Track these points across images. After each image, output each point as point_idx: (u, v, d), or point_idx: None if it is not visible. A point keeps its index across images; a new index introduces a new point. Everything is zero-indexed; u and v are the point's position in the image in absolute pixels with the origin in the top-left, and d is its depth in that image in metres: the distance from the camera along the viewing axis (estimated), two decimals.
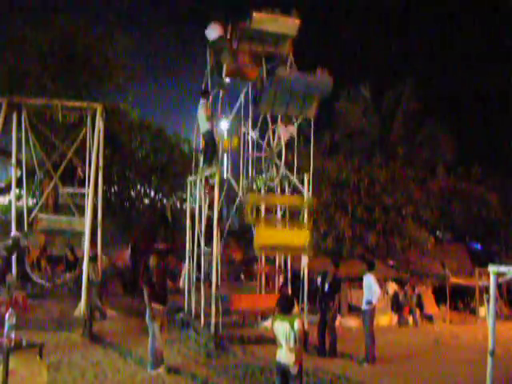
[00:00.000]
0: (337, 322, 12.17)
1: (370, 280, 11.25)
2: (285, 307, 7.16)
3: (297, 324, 6.79)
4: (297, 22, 12.07)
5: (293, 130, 12.90)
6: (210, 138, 12.57)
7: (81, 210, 15.79)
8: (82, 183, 16.27)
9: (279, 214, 13.69)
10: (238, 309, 12.62)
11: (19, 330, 7.71)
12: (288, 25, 12.14)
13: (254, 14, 11.69)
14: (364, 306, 11.24)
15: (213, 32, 12.28)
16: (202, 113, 12.54)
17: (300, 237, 11.49)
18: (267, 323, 7.39)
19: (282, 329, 6.82)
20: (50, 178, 17.12)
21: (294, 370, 6.77)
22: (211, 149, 12.55)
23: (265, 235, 11.29)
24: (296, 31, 12.21)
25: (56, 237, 16.70)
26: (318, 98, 11.98)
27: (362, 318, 11.67)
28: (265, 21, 11.82)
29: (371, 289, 11.16)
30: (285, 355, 6.82)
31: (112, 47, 21.14)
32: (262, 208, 13.22)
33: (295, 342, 6.74)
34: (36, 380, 6.68)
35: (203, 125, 12.58)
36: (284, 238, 11.56)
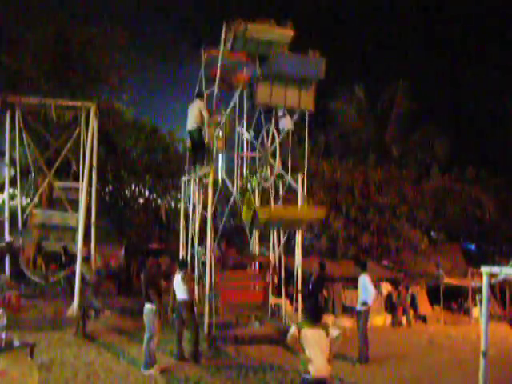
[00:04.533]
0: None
1: (365, 281, 11.23)
2: (313, 315, 6.44)
3: (335, 330, 6.27)
4: (291, 32, 11.95)
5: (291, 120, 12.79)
6: (199, 137, 12.58)
7: (75, 206, 15.77)
8: (76, 178, 16.20)
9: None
10: (227, 301, 12.27)
11: (12, 330, 7.68)
12: (282, 35, 12.05)
13: (249, 25, 11.57)
14: (359, 307, 11.23)
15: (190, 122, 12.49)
16: (194, 111, 12.53)
17: (303, 211, 11.65)
18: (292, 330, 6.31)
19: (315, 338, 6.14)
20: (44, 175, 17.05)
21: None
22: (201, 148, 12.57)
23: (265, 210, 11.50)
24: (290, 40, 12.09)
25: (50, 232, 16.63)
26: (314, 85, 11.95)
27: (356, 318, 11.67)
28: (259, 30, 11.72)
29: (366, 290, 11.15)
30: (322, 367, 6.09)
31: (106, 46, 21.05)
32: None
33: (330, 351, 6.15)
34: (27, 380, 6.62)
35: (192, 123, 12.58)
36: (285, 212, 11.81)
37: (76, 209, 15.34)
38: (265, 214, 11.26)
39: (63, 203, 16.32)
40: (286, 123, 12.64)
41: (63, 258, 17.30)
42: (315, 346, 6.09)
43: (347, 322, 14.93)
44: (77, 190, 15.83)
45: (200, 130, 12.53)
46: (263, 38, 11.84)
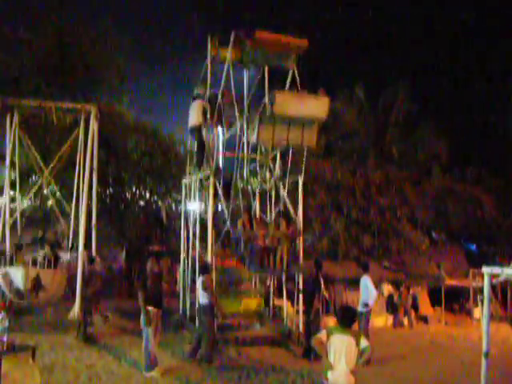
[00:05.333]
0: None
1: (366, 282, 11.25)
2: (345, 319, 6.13)
3: (365, 342, 5.98)
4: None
5: None
6: (199, 136, 12.61)
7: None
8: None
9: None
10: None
11: (13, 332, 7.68)
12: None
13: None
14: (360, 308, 11.25)
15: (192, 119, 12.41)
16: (196, 109, 12.56)
17: (320, 104, 11.10)
18: (321, 334, 6.10)
19: (343, 344, 5.87)
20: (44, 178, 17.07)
21: None
22: (201, 149, 12.61)
23: (284, 98, 10.87)
24: (326, 114, 11.42)
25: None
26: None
27: (357, 319, 11.66)
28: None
29: (368, 291, 11.16)
30: (342, 377, 5.78)
31: (107, 49, 21.07)
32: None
33: (357, 362, 5.86)
34: (29, 383, 6.64)
35: (193, 120, 12.60)
36: (304, 103, 11.11)
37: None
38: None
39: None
40: None
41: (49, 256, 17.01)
42: (341, 353, 5.82)
43: None
44: None
45: (200, 129, 12.53)
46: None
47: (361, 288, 11.44)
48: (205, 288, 10.22)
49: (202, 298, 10.32)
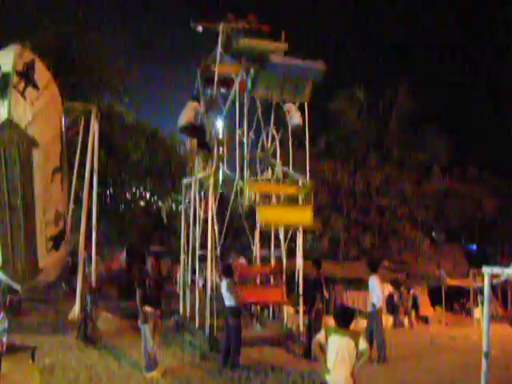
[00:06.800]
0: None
1: (372, 282, 11.26)
2: (343, 320, 6.05)
3: (364, 343, 5.88)
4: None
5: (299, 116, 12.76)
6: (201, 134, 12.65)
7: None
8: None
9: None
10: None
11: (13, 333, 7.67)
12: (277, 48, 12.08)
13: (240, 41, 11.73)
14: (369, 309, 11.33)
15: (183, 119, 12.38)
16: (188, 110, 12.57)
17: (303, 213, 11.58)
18: (319, 336, 6.06)
19: (341, 345, 5.78)
20: None
21: None
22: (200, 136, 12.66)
23: (267, 212, 11.47)
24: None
25: None
26: (311, 81, 12.06)
27: (368, 319, 11.70)
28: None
29: (374, 291, 11.20)
30: (340, 379, 5.71)
31: (108, 49, 21.07)
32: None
33: (356, 363, 5.76)
34: (28, 383, 6.63)
35: (182, 120, 12.58)
36: (286, 214, 11.76)
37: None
38: (261, 215, 11.19)
39: None
40: (295, 119, 12.59)
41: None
42: (340, 355, 5.72)
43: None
44: None
45: (194, 126, 12.54)
46: (258, 49, 11.88)
47: (369, 288, 11.47)
48: (230, 291, 10.18)
49: (227, 300, 10.22)
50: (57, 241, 10.78)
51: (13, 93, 8.10)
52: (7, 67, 8.17)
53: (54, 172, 9.97)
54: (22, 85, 8.30)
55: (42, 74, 9.02)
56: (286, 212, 11.92)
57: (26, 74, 8.45)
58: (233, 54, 12.32)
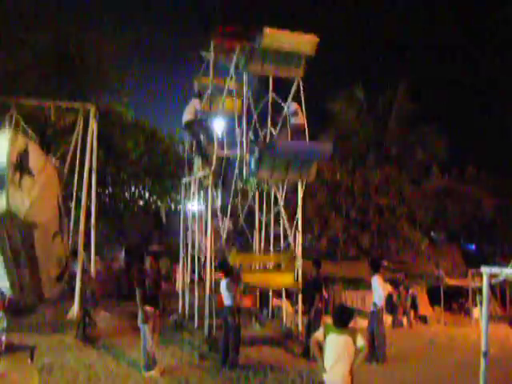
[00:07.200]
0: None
1: (374, 282, 11.28)
2: (341, 319, 6.02)
3: (362, 340, 5.86)
4: (314, 39, 11.12)
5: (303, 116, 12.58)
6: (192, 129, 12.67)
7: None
8: None
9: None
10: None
11: (12, 332, 7.66)
12: (304, 42, 11.12)
13: (266, 30, 10.63)
14: (371, 308, 11.40)
15: (187, 115, 12.38)
16: (190, 107, 12.57)
17: (285, 277, 11.90)
18: (317, 334, 6.01)
19: (339, 343, 5.78)
20: None
21: None
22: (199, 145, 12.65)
23: (251, 276, 11.79)
24: (313, 50, 11.20)
25: None
26: (316, 163, 11.80)
27: (369, 319, 11.72)
28: (278, 37, 10.81)
29: (375, 291, 11.23)
30: (337, 378, 5.68)
31: (106, 48, 21.03)
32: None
33: (354, 361, 5.76)
34: (27, 383, 6.63)
35: (186, 116, 12.59)
36: (269, 277, 12.15)
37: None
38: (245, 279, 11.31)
39: None
40: (296, 119, 12.49)
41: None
42: (338, 353, 5.72)
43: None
44: None
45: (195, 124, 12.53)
46: (282, 48, 10.98)
47: (372, 288, 11.49)
48: (229, 290, 10.17)
49: (226, 299, 10.24)
50: (60, 276, 10.91)
51: (9, 185, 8.18)
52: (2, 159, 8.22)
53: (55, 235, 10.11)
54: (18, 176, 8.40)
55: (36, 158, 9.13)
56: (270, 276, 12.26)
57: (21, 165, 8.52)
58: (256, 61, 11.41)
